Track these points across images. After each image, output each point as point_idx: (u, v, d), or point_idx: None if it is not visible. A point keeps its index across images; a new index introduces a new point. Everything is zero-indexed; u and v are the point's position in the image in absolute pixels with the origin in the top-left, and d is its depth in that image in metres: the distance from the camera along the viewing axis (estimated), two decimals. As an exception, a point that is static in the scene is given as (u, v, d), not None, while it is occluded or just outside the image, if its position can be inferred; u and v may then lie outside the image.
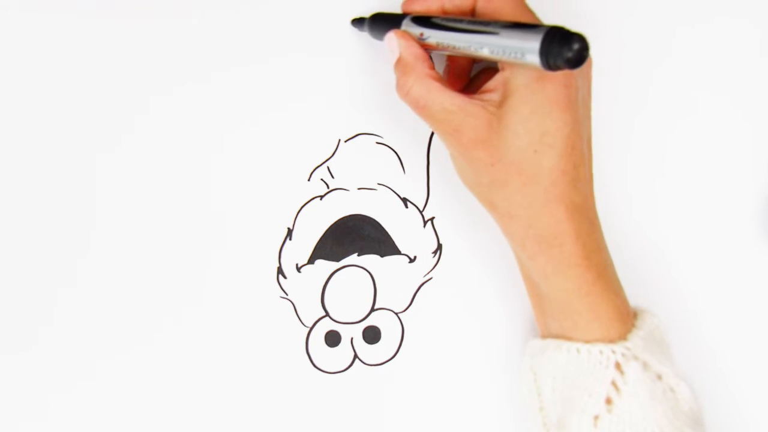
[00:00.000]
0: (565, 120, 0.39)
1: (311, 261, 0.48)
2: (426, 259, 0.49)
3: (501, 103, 0.40)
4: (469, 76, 0.47)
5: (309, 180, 0.48)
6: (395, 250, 0.48)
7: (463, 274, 0.49)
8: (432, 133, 0.49)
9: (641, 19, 0.50)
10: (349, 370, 0.48)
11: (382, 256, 0.48)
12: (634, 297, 0.47)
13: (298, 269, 0.48)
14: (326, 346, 0.48)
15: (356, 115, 0.48)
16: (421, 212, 0.49)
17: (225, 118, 0.47)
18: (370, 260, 0.48)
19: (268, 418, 0.48)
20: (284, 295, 0.48)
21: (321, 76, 0.48)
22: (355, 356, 0.48)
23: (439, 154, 0.48)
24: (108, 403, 0.47)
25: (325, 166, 0.48)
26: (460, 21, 0.39)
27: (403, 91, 0.42)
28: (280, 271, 0.48)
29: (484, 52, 0.38)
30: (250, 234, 0.48)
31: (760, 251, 0.51)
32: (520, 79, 0.39)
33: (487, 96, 0.40)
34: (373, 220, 0.48)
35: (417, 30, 0.42)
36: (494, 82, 0.40)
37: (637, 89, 0.50)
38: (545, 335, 0.44)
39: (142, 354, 0.47)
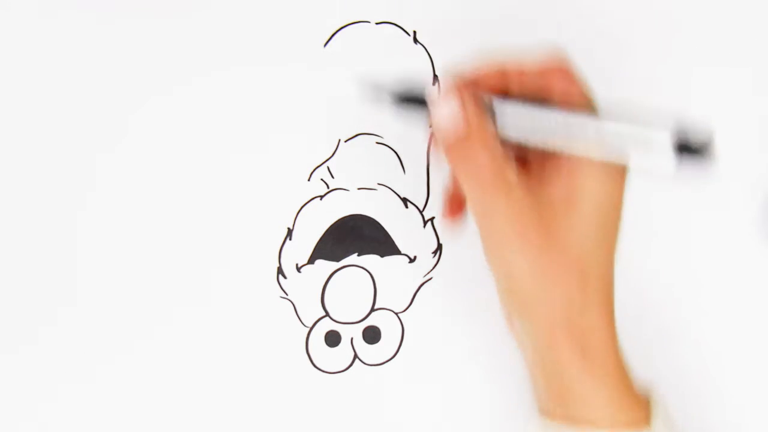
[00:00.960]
0: (619, 221, 0.38)
1: (311, 261, 0.48)
2: (426, 259, 0.49)
3: (568, 202, 0.37)
4: None
5: (309, 180, 0.48)
6: (395, 250, 0.48)
7: (463, 274, 0.49)
8: (432, 134, 0.49)
9: (639, 18, 0.50)
10: (349, 370, 0.48)
11: (382, 256, 0.48)
12: (635, 298, 0.47)
13: (298, 269, 0.48)
14: (326, 346, 0.48)
15: (356, 115, 0.48)
16: (421, 212, 0.49)
17: (225, 118, 0.47)
18: (370, 260, 0.48)
19: (268, 418, 0.48)
20: (284, 295, 0.48)
21: (321, 76, 0.48)
22: (355, 356, 0.48)
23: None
24: (108, 403, 0.47)
25: (325, 166, 0.48)
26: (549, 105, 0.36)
27: (467, 157, 0.36)
28: (280, 271, 0.48)
29: (585, 142, 0.35)
30: (250, 234, 0.48)
31: (761, 252, 0.51)
32: (592, 179, 0.37)
33: (552, 190, 0.37)
34: (373, 220, 0.48)
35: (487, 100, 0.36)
36: (561, 179, 0.37)
37: (636, 90, 0.50)
38: (551, 416, 0.40)
39: (142, 354, 0.47)
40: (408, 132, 0.48)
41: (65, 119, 0.47)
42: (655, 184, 0.50)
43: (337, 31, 0.48)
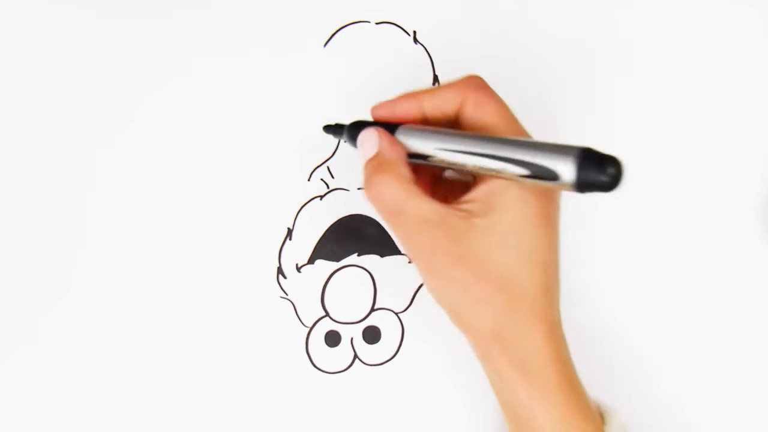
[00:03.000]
0: (550, 234, 0.37)
1: (311, 261, 0.48)
2: (426, 259, 0.49)
3: (486, 216, 0.36)
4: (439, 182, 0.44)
5: (309, 180, 0.48)
6: (395, 250, 0.48)
7: (463, 274, 0.49)
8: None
9: (639, 18, 0.50)
10: (349, 370, 0.48)
11: (382, 256, 0.48)
12: (635, 297, 0.46)
13: (298, 269, 0.48)
14: (326, 346, 0.48)
15: (356, 115, 0.48)
16: (421, 212, 0.49)
17: (225, 118, 0.47)
18: (370, 260, 0.48)
19: (268, 418, 0.48)
20: (284, 295, 0.48)
21: (321, 76, 0.48)
22: (355, 356, 0.48)
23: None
24: (108, 404, 0.47)
25: (325, 166, 0.48)
26: (474, 139, 0.36)
27: (374, 191, 0.38)
28: (280, 271, 0.48)
29: (501, 170, 0.35)
30: (250, 234, 0.48)
31: (761, 251, 0.51)
32: (510, 192, 0.36)
33: (469, 206, 0.37)
34: (373, 220, 0.48)
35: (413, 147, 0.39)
36: (478, 192, 0.37)
37: (635, 89, 0.50)
38: None
39: (142, 354, 0.47)
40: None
41: (66, 117, 0.47)
42: (654, 185, 0.50)
43: (337, 31, 0.48)
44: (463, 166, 0.36)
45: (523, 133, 0.39)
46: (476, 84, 0.39)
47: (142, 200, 0.47)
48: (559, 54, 0.49)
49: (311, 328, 0.48)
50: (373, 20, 0.48)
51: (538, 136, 0.49)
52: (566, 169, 0.32)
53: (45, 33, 0.47)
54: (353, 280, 0.48)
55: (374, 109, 0.41)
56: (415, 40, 0.49)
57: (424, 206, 0.37)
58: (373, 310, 0.49)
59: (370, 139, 0.39)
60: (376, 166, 0.38)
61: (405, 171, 0.38)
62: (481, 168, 0.36)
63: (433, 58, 0.48)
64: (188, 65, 0.47)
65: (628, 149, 0.50)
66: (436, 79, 0.49)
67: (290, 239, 0.48)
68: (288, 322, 0.48)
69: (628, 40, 0.50)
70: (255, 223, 0.48)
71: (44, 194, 0.47)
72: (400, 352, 0.49)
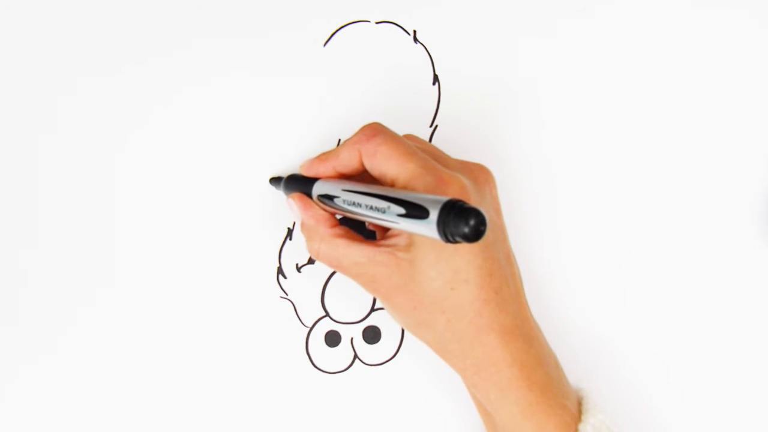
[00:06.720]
0: (474, 253, 0.39)
1: (311, 261, 0.48)
2: (426, 259, 0.49)
3: (409, 247, 0.39)
4: None
5: (309, 180, 0.48)
6: (395, 250, 0.48)
7: (463, 274, 0.49)
8: (432, 133, 0.49)
9: (640, 17, 0.50)
10: (349, 370, 0.48)
11: (382, 256, 0.48)
12: (635, 297, 0.46)
13: (298, 269, 0.48)
14: (326, 346, 0.48)
15: (356, 115, 0.48)
16: (421, 212, 0.49)
17: (225, 118, 0.47)
18: (370, 260, 0.48)
19: (268, 418, 0.48)
20: (284, 295, 0.48)
21: (321, 75, 0.48)
22: (355, 356, 0.48)
23: (439, 154, 0.48)
24: (107, 404, 0.47)
25: (325, 166, 0.48)
26: (359, 204, 0.39)
27: (313, 253, 0.42)
28: (280, 271, 0.48)
29: (385, 225, 0.37)
30: (250, 234, 0.48)
31: (761, 252, 0.51)
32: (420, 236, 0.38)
33: (394, 240, 0.40)
34: (373, 219, 0.48)
35: (328, 206, 0.42)
36: (401, 238, 0.40)
37: (636, 88, 0.50)
38: None
39: (141, 354, 0.47)
40: (407, 132, 0.48)
41: (63, 115, 0.47)
42: (654, 185, 0.50)
43: (337, 31, 0.48)
44: (358, 218, 0.39)
45: (425, 167, 0.39)
46: (368, 134, 0.41)
47: (142, 200, 0.47)
48: (559, 52, 0.49)
49: (311, 328, 0.48)
50: (373, 20, 0.48)
51: (539, 134, 0.49)
52: (432, 221, 0.33)
53: (25, 24, 0.46)
54: (353, 280, 0.48)
55: (301, 167, 0.44)
56: (415, 40, 0.49)
57: (354, 253, 0.40)
58: (373, 310, 0.49)
59: (291, 208, 0.44)
60: (304, 233, 0.43)
61: (326, 229, 0.42)
62: (370, 221, 0.38)
63: (433, 58, 0.48)
64: (188, 65, 0.47)
65: (628, 149, 0.50)
66: (436, 78, 0.49)
67: (290, 239, 0.48)
68: (288, 322, 0.48)
69: (630, 36, 0.50)
70: (255, 223, 0.48)
71: (40, 194, 0.47)
72: (400, 352, 0.49)
